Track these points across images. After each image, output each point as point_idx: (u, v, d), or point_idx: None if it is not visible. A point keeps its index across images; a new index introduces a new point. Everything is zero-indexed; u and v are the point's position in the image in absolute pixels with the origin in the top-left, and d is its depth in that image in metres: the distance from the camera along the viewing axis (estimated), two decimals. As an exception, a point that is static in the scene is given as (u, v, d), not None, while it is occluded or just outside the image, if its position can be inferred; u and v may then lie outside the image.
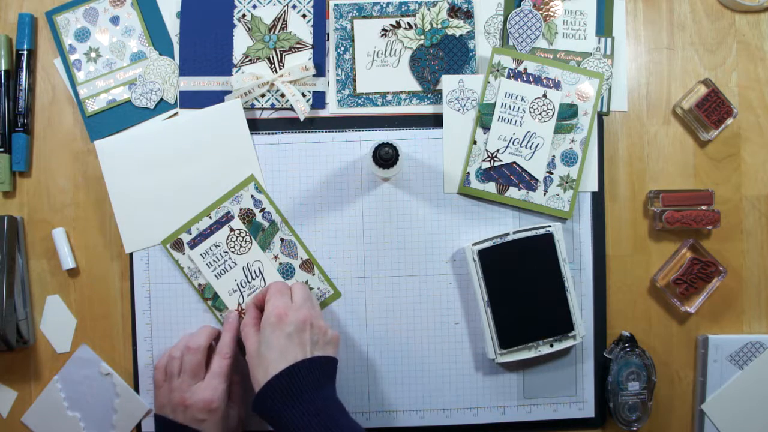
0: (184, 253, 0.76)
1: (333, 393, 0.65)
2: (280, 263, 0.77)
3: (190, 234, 0.76)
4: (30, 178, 0.79)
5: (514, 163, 0.77)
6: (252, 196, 0.76)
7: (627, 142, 0.80)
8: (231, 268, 0.76)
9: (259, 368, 0.65)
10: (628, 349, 0.76)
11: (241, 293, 0.76)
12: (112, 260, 0.79)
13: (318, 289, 0.77)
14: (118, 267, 0.79)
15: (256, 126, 0.78)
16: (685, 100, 0.78)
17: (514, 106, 0.76)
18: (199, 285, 0.76)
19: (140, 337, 0.78)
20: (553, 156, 0.77)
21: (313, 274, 0.77)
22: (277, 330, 0.65)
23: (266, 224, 0.77)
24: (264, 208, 0.77)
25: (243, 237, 0.76)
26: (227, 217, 0.76)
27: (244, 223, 0.76)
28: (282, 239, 0.77)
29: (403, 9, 0.78)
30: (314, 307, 0.70)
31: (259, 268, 0.76)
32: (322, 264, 0.78)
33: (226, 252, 0.76)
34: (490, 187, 0.77)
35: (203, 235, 0.76)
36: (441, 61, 0.78)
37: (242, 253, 0.76)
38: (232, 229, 0.76)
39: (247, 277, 0.76)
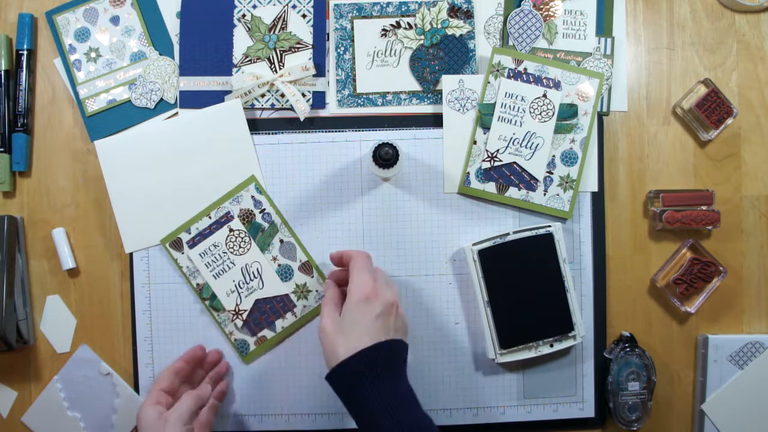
0: (183, 253, 0.76)
1: (408, 382, 0.64)
2: (279, 265, 0.77)
3: (190, 233, 0.76)
4: (30, 178, 0.79)
5: (514, 163, 0.77)
6: (252, 196, 0.76)
7: (627, 142, 0.79)
8: (230, 268, 0.76)
9: (338, 343, 0.63)
10: (628, 349, 0.76)
11: (239, 294, 0.76)
12: (112, 260, 0.79)
13: (316, 291, 0.77)
14: (118, 267, 0.79)
15: (256, 126, 0.78)
16: (685, 100, 0.78)
17: (514, 106, 0.76)
18: (197, 285, 0.76)
19: (140, 337, 0.78)
20: (553, 156, 0.77)
21: (312, 276, 0.77)
22: (365, 308, 0.64)
23: (266, 225, 0.76)
24: (264, 209, 0.77)
25: (242, 238, 0.76)
26: (227, 218, 0.76)
27: (243, 224, 0.76)
28: (281, 240, 0.77)
29: (403, 9, 0.78)
30: (397, 292, 0.69)
31: (257, 269, 0.76)
32: (322, 264, 0.78)
33: (225, 252, 0.76)
34: (490, 187, 0.77)
35: (202, 235, 0.76)
36: (441, 61, 0.78)
37: (241, 254, 0.76)
38: (231, 230, 0.76)
39: (245, 278, 0.76)
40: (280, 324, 0.77)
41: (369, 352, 0.62)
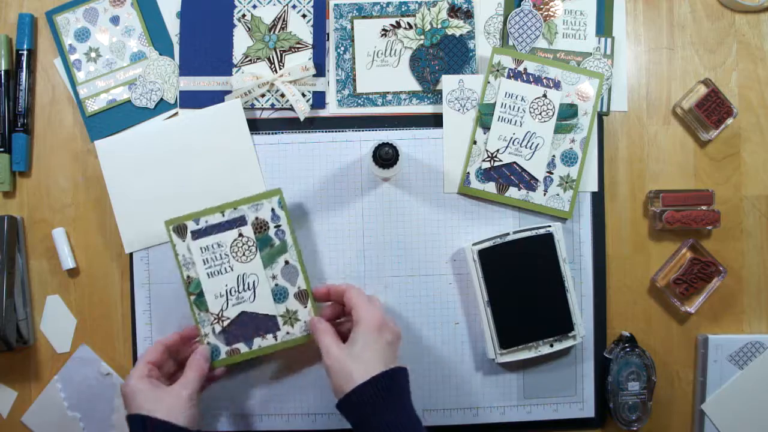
0: (184, 241, 0.72)
1: (414, 411, 0.66)
2: (276, 284, 0.73)
3: (197, 224, 0.72)
4: (30, 178, 0.79)
5: (514, 163, 0.77)
6: (273, 209, 0.73)
7: (627, 142, 0.80)
8: (226, 272, 0.73)
9: (351, 367, 0.63)
10: (628, 349, 0.76)
11: (227, 301, 0.73)
12: (112, 260, 0.79)
13: (304, 322, 0.73)
14: (118, 267, 0.79)
15: (256, 126, 0.78)
16: (685, 100, 0.78)
17: (514, 106, 0.76)
18: (188, 277, 0.73)
19: (140, 337, 0.78)
20: (553, 156, 0.77)
21: (305, 307, 0.73)
22: (378, 335, 0.66)
23: (277, 241, 0.73)
24: (280, 225, 0.73)
25: (249, 246, 0.73)
26: (240, 221, 0.73)
27: (255, 233, 0.73)
28: (286, 262, 0.73)
29: (403, 9, 0.78)
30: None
31: (253, 282, 0.73)
32: (321, 264, 0.78)
33: (227, 255, 0.73)
34: (490, 187, 0.77)
35: (210, 230, 0.73)
36: (441, 61, 0.78)
37: (243, 262, 0.73)
38: (241, 234, 0.73)
39: (238, 287, 0.73)
40: (258, 342, 0.73)
41: (384, 378, 0.63)
